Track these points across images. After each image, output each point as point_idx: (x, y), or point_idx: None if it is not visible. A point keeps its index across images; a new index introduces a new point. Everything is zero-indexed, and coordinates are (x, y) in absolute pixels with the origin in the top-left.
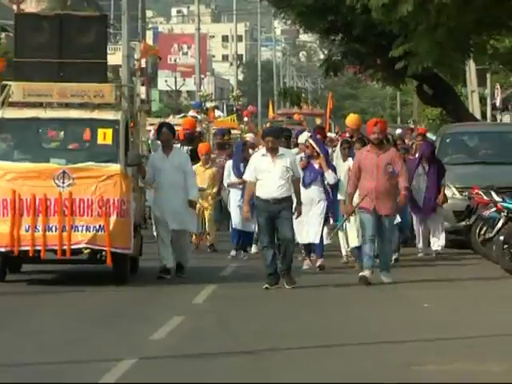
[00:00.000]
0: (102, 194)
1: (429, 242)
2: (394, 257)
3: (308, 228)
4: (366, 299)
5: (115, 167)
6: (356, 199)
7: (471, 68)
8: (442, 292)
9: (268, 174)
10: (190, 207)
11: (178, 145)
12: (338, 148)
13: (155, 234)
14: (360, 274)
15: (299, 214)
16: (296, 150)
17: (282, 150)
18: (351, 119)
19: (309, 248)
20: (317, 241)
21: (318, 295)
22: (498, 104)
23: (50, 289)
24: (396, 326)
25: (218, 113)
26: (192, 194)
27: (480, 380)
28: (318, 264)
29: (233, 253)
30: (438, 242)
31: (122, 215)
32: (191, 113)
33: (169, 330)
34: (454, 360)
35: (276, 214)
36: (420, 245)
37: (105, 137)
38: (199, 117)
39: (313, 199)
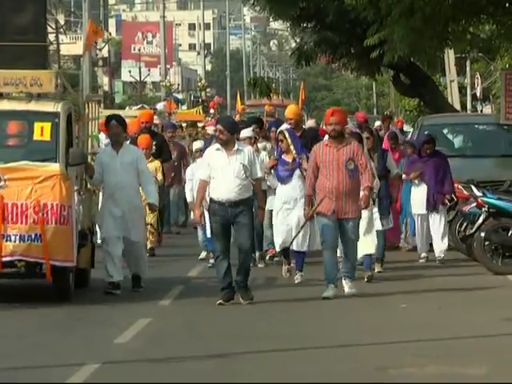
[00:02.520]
0: (39, 198)
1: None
2: (377, 269)
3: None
4: (342, 300)
5: (54, 167)
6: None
7: (450, 56)
8: (421, 292)
9: (222, 172)
10: (148, 211)
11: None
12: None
13: (99, 241)
14: (323, 295)
15: (260, 220)
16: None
17: (239, 144)
18: (291, 109)
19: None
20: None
21: (291, 297)
22: (478, 94)
23: None
24: (372, 327)
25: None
26: (151, 197)
27: (459, 382)
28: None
29: (212, 261)
30: (440, 247)
31: (62, 222)
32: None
33: (134, 333)
34: (431, 362)
35: (232, 219)
36: (424, 252)
37: (42, 132)
38: (158, 108)
39: (295, 198)
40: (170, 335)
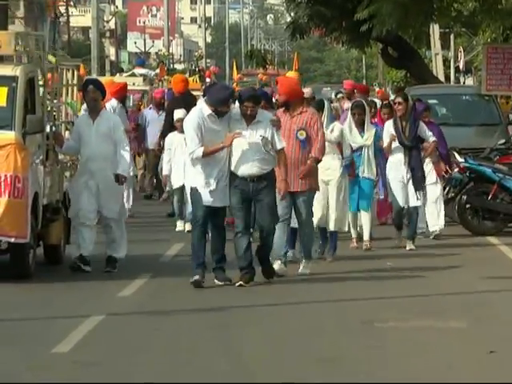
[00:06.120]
0: None
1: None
2: (409, 247)
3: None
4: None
5: (9, 135)
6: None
7: (435, 31)
8: (405, 252)
9: (242, 145)
10: (117, 185)
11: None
12: (348, 115)
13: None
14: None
15: (284, 193)
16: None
17: (259, 114)
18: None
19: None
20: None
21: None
22: (461, 67)
23: None
24: (358, 283)
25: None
26: (121, 168)
27: (441, 335)
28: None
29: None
30: (437, 222)
31: (16, 195)
32: (137, 70)
33: (137, 288)
34: (414, 317)
35: (254, 196)
36: (423, 229)
37: None
38: (148, 75)
39: None
40: (170, 289)
